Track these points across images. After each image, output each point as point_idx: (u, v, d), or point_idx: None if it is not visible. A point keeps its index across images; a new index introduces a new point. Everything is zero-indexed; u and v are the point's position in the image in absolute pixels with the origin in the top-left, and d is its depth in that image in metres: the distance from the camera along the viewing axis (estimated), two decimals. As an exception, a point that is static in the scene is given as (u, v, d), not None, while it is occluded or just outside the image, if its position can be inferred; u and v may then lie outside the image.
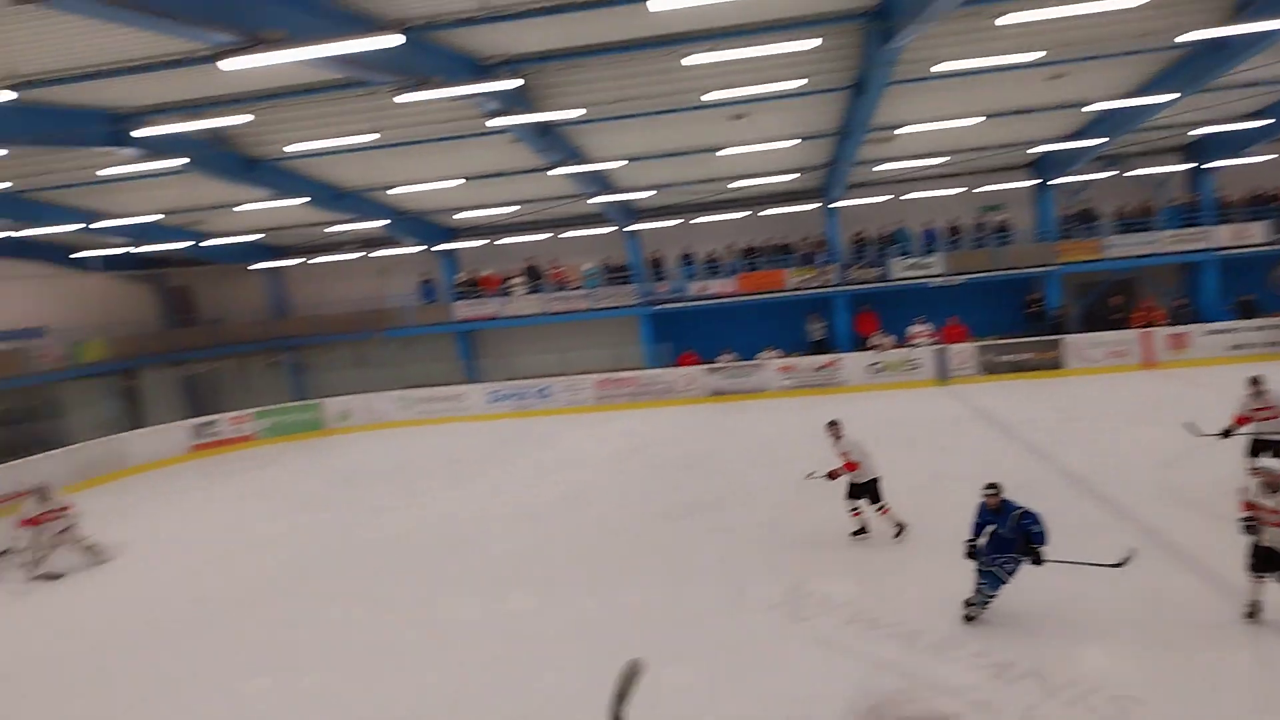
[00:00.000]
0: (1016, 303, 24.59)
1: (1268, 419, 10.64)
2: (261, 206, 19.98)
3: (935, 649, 7.73)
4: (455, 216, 24.34)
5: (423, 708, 7.80)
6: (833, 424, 10.85)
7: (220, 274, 27.87)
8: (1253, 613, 7.57)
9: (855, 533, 10.80)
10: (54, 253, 24.05)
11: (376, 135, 16.15)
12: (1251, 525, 7.41)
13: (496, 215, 23.83)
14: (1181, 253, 22.99)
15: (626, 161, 19.70)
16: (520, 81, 13.87)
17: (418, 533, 13.49)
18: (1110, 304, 23.94)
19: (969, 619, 8.09)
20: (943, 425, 17.14)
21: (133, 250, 24.20)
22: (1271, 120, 20.43)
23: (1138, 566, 7.97)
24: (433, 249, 26.27)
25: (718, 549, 11.12)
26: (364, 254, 26.42)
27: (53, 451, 19.63)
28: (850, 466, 10.54)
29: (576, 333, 26.62)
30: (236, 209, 20.59)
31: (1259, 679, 6.99)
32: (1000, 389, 20.58)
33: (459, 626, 9.57)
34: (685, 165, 21.00)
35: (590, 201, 21.66)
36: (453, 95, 13.15)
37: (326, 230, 24.56)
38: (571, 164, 18.00)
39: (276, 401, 25.16)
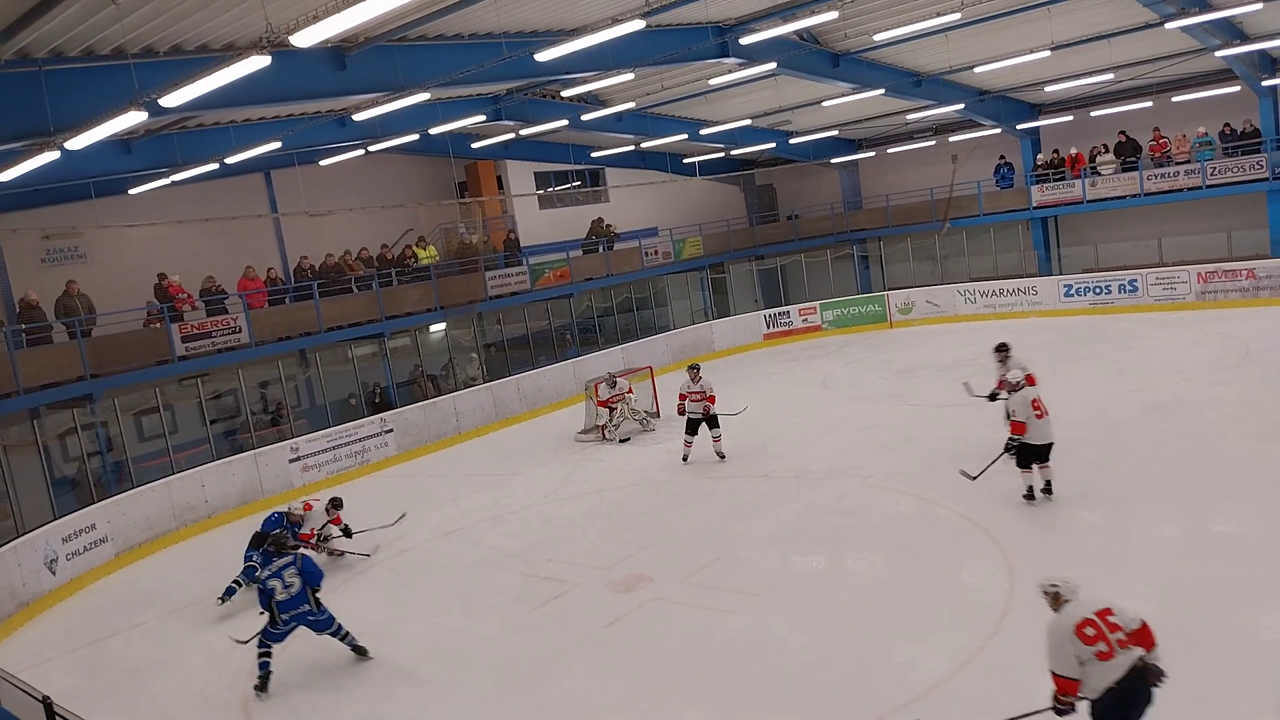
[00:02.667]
0: None
1: None
2: (841, 101, 20.67)
3: None
4: (1038, 91, 22.45)
5: (975, 604, 7.77)
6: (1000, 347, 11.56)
7: (799, 171, 29.68)
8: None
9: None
10: (664, 161, 27.90)
11: (957, 15, 15.45)
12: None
13: (1088, 85, 21.37)
14: None
15: (1262, 4, 16.07)
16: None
17: (971, 433, 13.16)
18: None
19: None
20: None
21: (726, 154, 27.02)
22: None
23: None
24: (1010, 128, 24.64)
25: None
26: (938, 141, 25.88)
27: (656, 336, 23.60)
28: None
29: (1177, 215, 22.94)
30: (819, 105, 21.55)
31: None
32: None
33: (1015, 532, 9.24)
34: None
35: (1218, 55, 18.23)
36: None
37: (900, 118, 24.57)
38: (1192, 14, 15.29)
39: (843, 293, 26.43)
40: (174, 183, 16.68)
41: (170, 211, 18.11)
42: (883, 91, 19.91)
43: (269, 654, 8.20)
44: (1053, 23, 17.11)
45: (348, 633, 8.49)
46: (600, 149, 24.74)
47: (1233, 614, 7.08)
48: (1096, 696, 4.82)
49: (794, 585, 8.95)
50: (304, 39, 7.80)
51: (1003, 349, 11.53)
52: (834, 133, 26.21)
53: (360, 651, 8.53)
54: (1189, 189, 21.92)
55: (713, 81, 19.53)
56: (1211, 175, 21.50)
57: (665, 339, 23.73)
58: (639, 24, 10.73)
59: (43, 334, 14.75)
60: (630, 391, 16.78)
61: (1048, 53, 17.14)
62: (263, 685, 8.14)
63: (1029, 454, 9.87)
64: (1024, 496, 10.02)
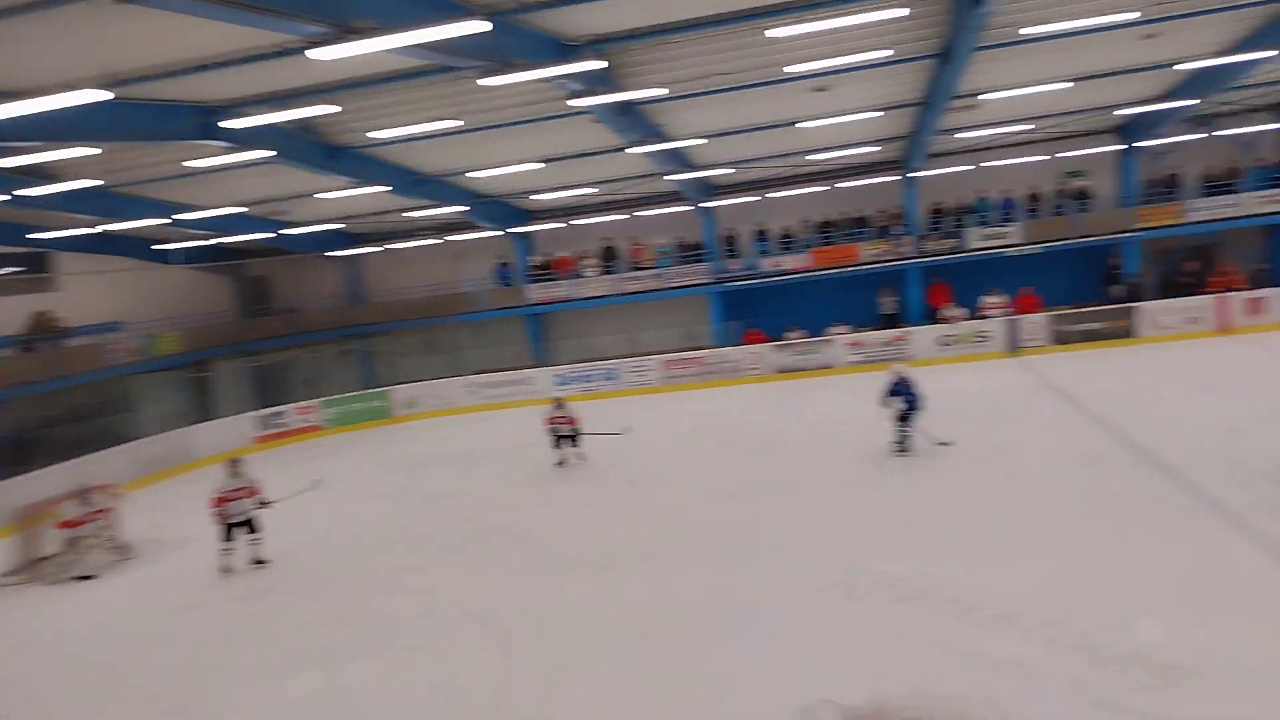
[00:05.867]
0: (1094, 271, 23.94)
1: None
2: (342, 195, 20.19)
3: (987, 624, 7.65)
4: (532, 198, 24.41)
5: (473, 697, 7.74)
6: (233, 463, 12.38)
7: (299, 263, 28.25)
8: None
9: None
10: (136, 246, 24.51)
11: (459, 121, 16.12)
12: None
13: (573, 196, 23.83)
14: (1268, 214, 22.26)
15: (706, 140, 19.47)
16: (605, 64, 13.78)
17: (479, 520, 13.36)
18: (1185, 269, 23.25)
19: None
20: (1011, 397, 17.06)
21: (214, 242, 24.68)
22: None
23: (1199, 536, 8.86)
24: (508, 232, 26.36)
25: (776, 530, 11.04)
26: (441, 239, 26.61)
27: (119, 446, 19.38)
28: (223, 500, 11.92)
29: (648, 313, 26.60)
30: (318, 197, 20.79)
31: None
32: (1071, 359, 20.27)
33: (513, 614, 9.37)
34: (764, 140, 20.71)
35: (668, 179, 21.53)
36: (537, 77, 13.00)
37: (405, 215, 24.77)
38: (651, 142, 17.86)
39: (348, 390, 25.25)
40: None
41: None
42: (389, 189, 19.89)
43: None
44: (539, 139, 18.70)
45: None
46: (47, 229, 20.92)
47: None
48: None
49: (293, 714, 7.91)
50: None
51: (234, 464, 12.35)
52: (340, 225, 25.55)
53: None
54: (654, 290, 25.47)
55: (195, 163, 17.73)
56: (671, 279, 25.27)
57: (131, 450, 19.63)
58: (104, 94, 9.25)
59: None
60: (111, 509, 13.30)
61: (541, 164, 18.66)
62: None
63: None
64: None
